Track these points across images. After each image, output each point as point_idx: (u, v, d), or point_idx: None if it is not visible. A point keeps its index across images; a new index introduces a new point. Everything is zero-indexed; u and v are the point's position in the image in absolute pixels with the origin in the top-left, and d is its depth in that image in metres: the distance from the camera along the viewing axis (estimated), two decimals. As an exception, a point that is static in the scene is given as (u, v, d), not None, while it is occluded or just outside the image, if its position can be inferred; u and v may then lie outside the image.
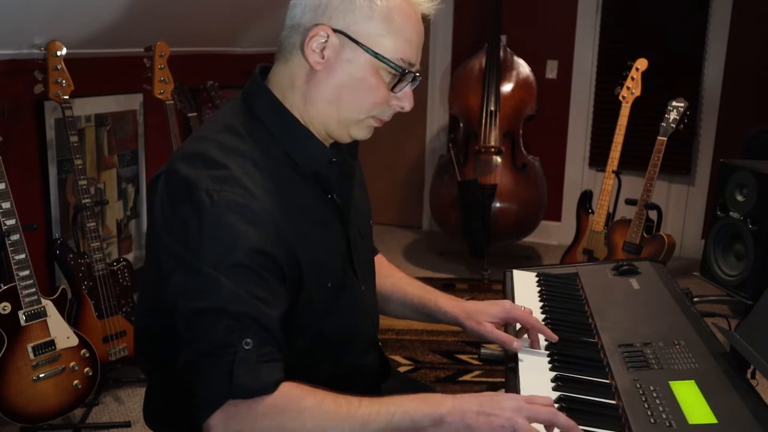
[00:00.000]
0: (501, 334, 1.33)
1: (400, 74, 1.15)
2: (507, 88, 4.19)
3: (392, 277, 1.52)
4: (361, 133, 1.22)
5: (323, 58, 1.14)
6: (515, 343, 1.30)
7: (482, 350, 1.50)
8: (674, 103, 3.15)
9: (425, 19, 1.20)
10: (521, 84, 4.20)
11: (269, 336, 1.03)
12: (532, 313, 1.37)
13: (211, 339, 1.01)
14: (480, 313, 1.37)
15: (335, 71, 1.15)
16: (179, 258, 1.06)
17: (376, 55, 1.13)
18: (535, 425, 1.03)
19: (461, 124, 4.30)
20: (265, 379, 1.00)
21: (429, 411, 1.02)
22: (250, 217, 1.05)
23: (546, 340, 1.36)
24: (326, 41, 1.13)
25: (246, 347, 1.00)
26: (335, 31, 1.13)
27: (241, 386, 0.99)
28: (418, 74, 1.19)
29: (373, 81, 1.15)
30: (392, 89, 1.17)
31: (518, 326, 1.39)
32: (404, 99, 1.19)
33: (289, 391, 1.02)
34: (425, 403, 1.04)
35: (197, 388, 1.02)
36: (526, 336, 1.37)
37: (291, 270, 1.11)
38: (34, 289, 2.24)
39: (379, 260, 1.56)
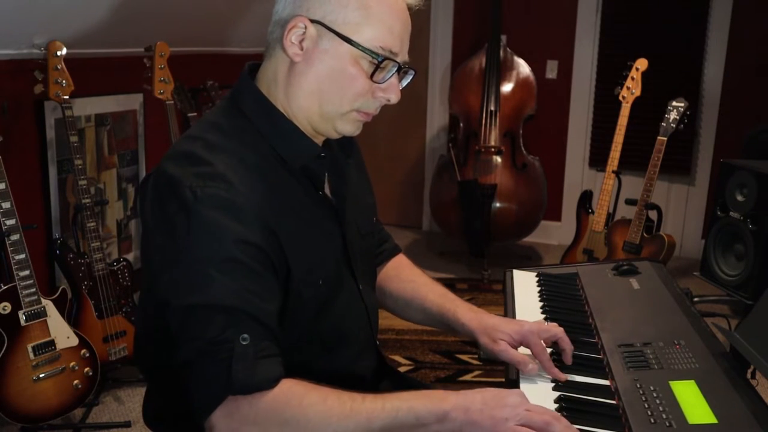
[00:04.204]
0: (516, 355, 1.25)
1: (377, 62, 1.13)
2: (507, 88, 4.19)
3: (414, 282, 1.48)
4: (348, 128, 1.20)
5: (302, 49, 1.14)
6: (530, 365, 1.23)
7: (482, 350, 1.49)
8: (674, 103, 3.15)
9: (410, 9, 1.18)
10: (521, 84, 4.20)
11: (266, 331, 1.03)
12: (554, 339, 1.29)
13: (206, 336, 1.00)
14: (496, 330, 1.30)
15: (314, 62, 1.14)
16: (169, 256, 1.06)
17: (350, 42, 1.12)
18: None
19: (461, 124, 4.31)
20: (265, 374, 1.00)
21: (433, 407, 1.02)
22: (235, 211, 1.05)
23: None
24: (304, 32, 1.13)
25: (243, 342, 1.00)
26: (313, 21, 1.12)
27: (240, 381, 0.98)
28: (404, 65, 1.17)
29: (352, 71, 1.13)
30: (372, 77, 1.15)
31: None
32: (390, 90, 1.17)
33: (291, 388, 1.02)
34: (429, 400, 1.03)
35: (195, 387, 1.01)
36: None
37: (279, 264, 1.11)
38: (34, 289, 2.24)
39: (401, 262, 1.54)
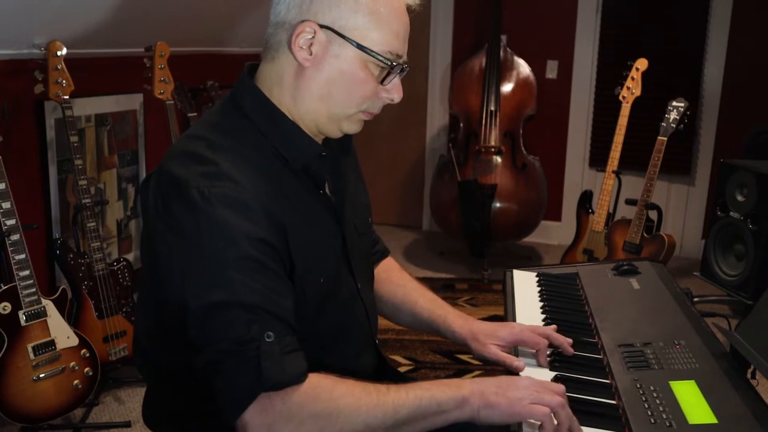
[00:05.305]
0: (503, 356, 1.32)
1: (389, 67, 1.15)
2: (507, 88, 4.19)
3: (404, 287, 1.50)
4: (353, 128, 1.22)
5: (311, 54, 1.14)
6: (516, 362, 1.29)
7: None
8: (674, 103, 3.15)
9: (410, 11, 1.20)
10: (521, 84, 4.21)
11: (287, 326, 1.04)
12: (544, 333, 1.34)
13: (230, 336, 1.01)
14: (487, 336, 1.35)
15: (323, 67, 1.15)
16: (180, 259, 1.06)
17: (363, 48, 1.13)
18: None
19: (461, 124, 4.31)
20: (294, 369, 1.02)
21: (453, 394, 1.08)
22: (244, 209, 1.05)
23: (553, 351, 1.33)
24: (313, 37, 1.13)
25: (268, 340, 1.01)
26: (322, 26, 1.13)
27: (272, 378, 0.99)
28: (406, 65, 1.19)
29: (362, 75, 1.15)
30: (381, 82, 1.17)
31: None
32: (393, 91, 1.19)
33: (320, 382, 1.04)
34: (448, 387, 1.09)
35: (224, 387, 1.01)
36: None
37: (286, 261, 1.12)
38: (34, 289, 2.24)
39: (391, 265, 1.55)
